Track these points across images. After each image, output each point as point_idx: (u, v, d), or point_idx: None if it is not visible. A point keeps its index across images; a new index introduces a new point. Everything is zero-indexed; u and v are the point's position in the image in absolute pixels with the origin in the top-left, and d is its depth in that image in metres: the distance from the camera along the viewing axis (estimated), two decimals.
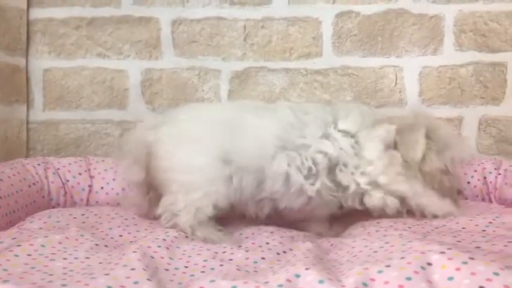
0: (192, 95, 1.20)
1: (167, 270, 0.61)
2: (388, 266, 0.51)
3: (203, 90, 1.20)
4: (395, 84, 1.20)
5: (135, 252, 0.60)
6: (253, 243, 0.74)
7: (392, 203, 0.81)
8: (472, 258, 0.50)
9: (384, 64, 1.20)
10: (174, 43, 1.20)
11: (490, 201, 1.01)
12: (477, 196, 1.02)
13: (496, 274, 0.47)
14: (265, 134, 0.82)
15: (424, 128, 0.84)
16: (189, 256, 0.67)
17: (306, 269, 0.51)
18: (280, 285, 0.49)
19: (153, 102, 1.21)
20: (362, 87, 1.20)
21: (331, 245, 0.74)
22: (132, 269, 0.54)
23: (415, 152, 0.83)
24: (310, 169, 0.81)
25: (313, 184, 0.81)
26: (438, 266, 0.50)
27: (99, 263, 0.61)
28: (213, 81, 1.20)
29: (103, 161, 1.07)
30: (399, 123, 0.85)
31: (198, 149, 0.81)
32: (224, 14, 1.20)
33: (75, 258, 0.63)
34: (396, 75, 1.20)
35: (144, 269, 0.55)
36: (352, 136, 0.83)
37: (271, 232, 0.80)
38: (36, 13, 1.18)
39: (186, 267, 0.63)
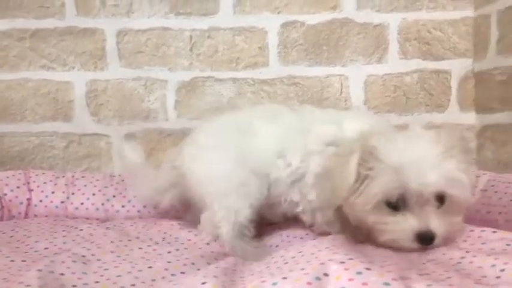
0: (138, 106, 1.20)
1: (75, 286, 0.60)
2: (284, 278, 0.50)
3: (149, 101, 1.20)
4: (341, 93, 1.20)
5: (39, 270, 0.59)
6: None
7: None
8: (368, 269, 0.49)
9: (329, 73, 1.20)
10: (120, 54, 1.19)
11: None
12: None
13: (387, 284, 0.47)
14: (270, 140, 0.84)
15: (356, 155, 0.68)
16: (105, 270, 0.66)
17: (202, 283, 0.51)
18: None
19: (99, 114, 1.20)
20: (308, 96, 1.20)
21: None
22: (28, 286, 0.53)
23: (341, 183, 0.69)
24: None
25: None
26: (333, 276, 0.50)
27: (3, 278, 0.59)
28: (159, 92, 1.20)
29: (43, 173, 1.06)
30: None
31: (216, 157, 0.85)
32: (170, 24, 1.19)
33: None
34: (342, 84, 1.20)
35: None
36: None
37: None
38: None
39: (97, 282, 0.62)
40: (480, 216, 0.87)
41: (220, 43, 1.20)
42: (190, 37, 1.20)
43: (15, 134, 1.19)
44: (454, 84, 1.20)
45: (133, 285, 0.62)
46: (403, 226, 0.66)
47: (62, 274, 0.62)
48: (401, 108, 1.20)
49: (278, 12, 1.20)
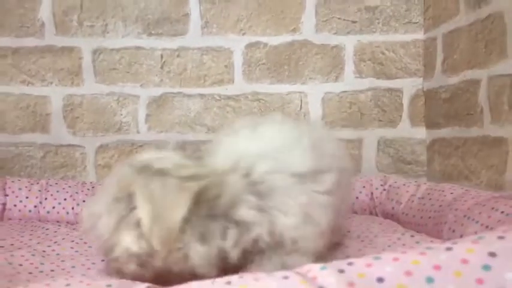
0: (111, 119, 1.28)
1: (30, 273, 0.67)
2: None
3: (122, 115, 1.28)
4: (301, 108, 1.29)
5: None
6: None
7: None
8: None
9: (290, 90, 1.29)
10: (95, 71, 1.28)
11: (376, 214, 1.10)
12: (365, 210, 1.11)
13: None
14: None
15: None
16: (61, 261, 0.74)
17: None
18: None
19: (75, 126, 1.28)
20: (270, 111, 1.29)
21: None
22: None
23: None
24: None
25: None
26: None
27: None
28: (131, 106, 1.28)
29: (19, 180, 1.13)
30: None
31: None
32: (142, 44, 1.29)
33: None
34: (301, 100, 1.29)
35: None
36: None
37: None
38: None
39: (52, 270, 0.70)
40: (414, 220, 0.95)
41: (189, 62, 1.29)
42: (161, 56, 1.29)
43: None
44: (405, 101, 1.29)
45: (83, 275, 0.69)
46: None
47: (20, 265, 0.70)
48: (356, 124, 1.29)
49: (243, 34, 1.29)
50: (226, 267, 0.57)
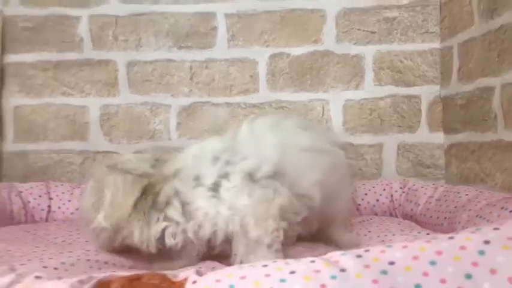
0: (144, 127, 1.37)
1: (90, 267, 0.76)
2: None
3: (155, 123, 1.37)
4: (323, 115, 1.36)
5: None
6: None
7: None
8: None
9: (312, 98, 1.36)
10: (129, 82, 1.37)
11: (396, 216, 1.15)
12: (385, 212, 1.17)
13: None
14: None
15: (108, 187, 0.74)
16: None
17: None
18: None
19: (111, 134, 1.37)
20: None
21: None
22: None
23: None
24: None
25: None
26: None
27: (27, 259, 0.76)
28: (163, 115, 1.37)
29: (62, 185, 1.23)
30: None
31: None
32: (173, 57, 1.37)
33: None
34: (323, 108, 1.36)
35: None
36: None
37: None
38: (9, 58, 1.36)
39: (106, 262, 0.78)
40: (431, 220, 1.01)
41: (216, 72, 1.37)
42: (191, 67, 1.37)
43: (38, 151, 1.37)
44: (423, 107, 1.35)
45: (103, 263, 0.77)
46: None
47: (79, 259, 0.78)
48: (376, 129, 1.35)
49: (267, 46, 1.37)
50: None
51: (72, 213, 1.18)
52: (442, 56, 1.34)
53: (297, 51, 1.36)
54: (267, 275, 0.44)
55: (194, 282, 0.44)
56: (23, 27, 1.37)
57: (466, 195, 0.96)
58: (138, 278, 0.48)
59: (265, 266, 0.46)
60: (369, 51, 1.36)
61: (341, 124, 1.35)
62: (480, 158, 1.16)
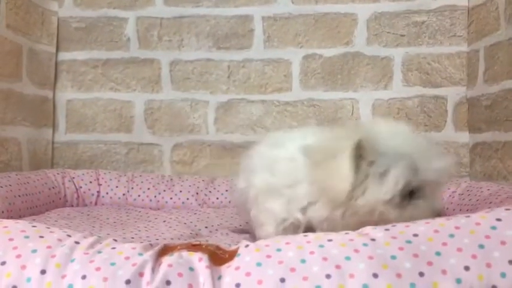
0: (185, 121, 1.47)
1: (132, 238, 0.86)
2: None
3: (194, 118, 1.47)
4: (352, 113, 1.43)
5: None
6: None
7: None
8: None
9: (342, 97, 1.44)
10: (172, 79, 1.47)
11: None
12: None
13: None
14: None
15: (349, 149, 0.65)
16: (162, 233, 0.92)
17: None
18: None
19: (154, 127, 1.48)
20: (324, 116, 1.44)
21: None
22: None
23: (337, 185, 0.67)
24: None
25: None
26: None
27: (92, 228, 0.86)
28: (202, 110, 1.47)
29: (109, 173, 1.34)
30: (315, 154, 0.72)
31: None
32: (212, 56, 1.47)
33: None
34: (353, 106, 1.43)
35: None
36: None
37: None
38: (63, 55, 1.48)
39: (157, 239, 0.88)
40: (454, 213, 1.08)
41: (252, 72, 1.46)
42: (228, 67, 1.47)
43: (87, 142, 1.48)
44: (449, 108, 1.41)
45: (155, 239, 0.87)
46: (424, 210, 0.67)
47: (132, 238, 0.88)
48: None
49: (300, 47, 1.45)
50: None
51: (119, 198, 1.29)
52: (469, 58, 1.40)
53: (328, 52, 1.44)
54: (308, 242, 0.52)
55: (247, 246, 0.53)
56: (76, 27, 1.48)
57: (488, 190, 1.02)
58: (198, 244, 0.57)
59: (306, 235, 0.54)
60: (398, 54, 1.42)
61: None
62: (503, 156, 1.22)
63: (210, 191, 1.28)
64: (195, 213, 1.15)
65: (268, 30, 1.46)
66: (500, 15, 1.24)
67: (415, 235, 0.52)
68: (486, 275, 0.47)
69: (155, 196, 1.28)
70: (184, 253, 0.53)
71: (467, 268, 0.48)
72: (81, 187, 1.29)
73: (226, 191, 1.28)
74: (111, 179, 1.32)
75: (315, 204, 0.73)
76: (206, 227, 1.01)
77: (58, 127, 1.48)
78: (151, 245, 0.56)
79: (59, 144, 1.48)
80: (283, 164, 0.77)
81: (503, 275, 0.47)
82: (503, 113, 1.22)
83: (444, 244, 0.50)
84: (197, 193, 1.28)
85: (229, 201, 1.26)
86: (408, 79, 1.42)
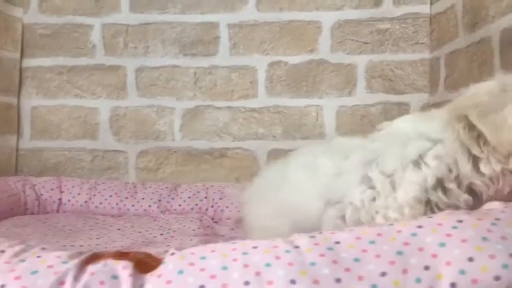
0: (150, 128, 1.47)
1: (82, 245, 0.85)
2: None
3: (160, 124, 1.47)
4: (317, 120, 1.44)
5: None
6: None
7: None
8: None
9: (307, 104, 1.45)
10: (137, 86, 1.47)
11: None
12: None
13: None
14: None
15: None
16: (113, 241, 0.91)
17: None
18: None
19: (119, 134, 1.47)
20: (289, 122, 1.45)
21: None
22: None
23: (502, 135, 0.63)
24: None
25: None
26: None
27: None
28: (168, 117, 1.47)
29: (72, 180, 1.33)
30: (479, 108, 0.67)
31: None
32: (178, 63, 1.47)
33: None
34: (317, 113, 1.45)
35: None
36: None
37: None
38: (28, 62, 1.47)
39: (106, 248, 0.87)
40: None
41: (218, 78, 1.47)
42: (195, 73, 1.47)
43: (52, 149, 1.48)
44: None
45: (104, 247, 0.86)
46: None
47: (81, 245, 0.88)
48: (367, 134, 1.43)
49: (266, 54, 1.46)
50: None
51: (81, 205, 1.28)
52: (431, 66, 1.42)
53: (294, 59, 1.45)
54: (233, 249, 0.52)
55: (172, 253, 0.53)
56: (41, 34, 1.48)
57: None
58: (127, 252, 0.57)
59: (234, 243, 0.55)
60: (361, 61, 1.44)
61: (334, 129, 1.43)
62: None
63: (172, 198, 1.28)
64: (154, 220, 1.15)
65: (234, 37, 1.46)
66: (458, 22, 1.26)
67: (337, 242, 0.52)
68: (402, 280, 0.48)
69: (117, 203, 1.27)
70: (110, 261, 0.53)
71: (383, 274, 0.48)
72: (42, 194, 1.28)
73: (189, 197, 1.28)
74: (73, 186, 1.31)
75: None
76: (161, 234, 1.01)
77: (23, 134, 1.47)
78: (79, 253, 0.56)
79: (23, 152, 1.47)
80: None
81: (418, 280, 0.48)
82: None
83: (364, 251, 0.51)
84: (159, 200, 1.28)
85: (192, 208, 1.27)
86: (372, 86, 1.44)
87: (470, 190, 0.68)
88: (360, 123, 1.43)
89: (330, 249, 0.51)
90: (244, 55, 1.46)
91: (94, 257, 0.55)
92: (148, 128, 1.47)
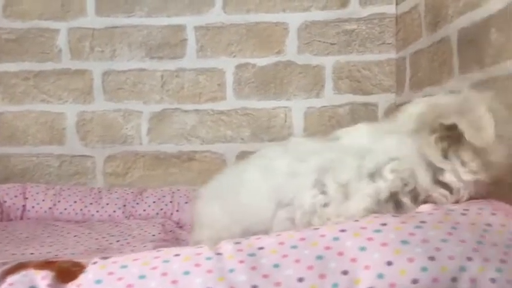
0: (117, 132, 1.46)
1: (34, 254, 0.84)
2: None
3: (127, 128, 1.46)
4: (285, 121, 1.44)
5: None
6: None
7: None
8: None
9: (275, 106, 1.44)
10: (104, 90, 1.46)
11: None
12: None
13: None
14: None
15: (483, 106, 0.65)
16: (65, 249, 0.90)
17: None
18: None
19: (86, 139, 1.46)
20: (258, 124, 1.44)
21: None
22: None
23: (484, 130, 0.63)
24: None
25: None
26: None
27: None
28: (135, 121, 1.46)
29: (37, 186, 1.32)
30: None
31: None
32: (145, 66, 1.46)
33: None
34: (286, 115, 1.44)
35: None
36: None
37: None
38: None
39: (57, 255, 0.86)
40: None
41: (186, 81, 1.46)
42: (162, 76, 1.46)
43: (19, 155, 1.46)
44: (380, 114, 1.42)
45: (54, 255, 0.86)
46: None
47: (32, 253, 0.87)
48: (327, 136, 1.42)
49: (233, 56, 1.45)
50: None
51: (45, 212, 1.27)
52: (397, 66, 1.42)
53: (261, 61, 1.45)
54: (156, 257, 0.52)
55: (95, 262, 0.53)
56: (6, 39, 1.46)
57: None
58: (52, 262, 0.56)
59: (159, 251, 0.54)
60: (329, 62, 1.44)
61: (302, 130, 1.43)
62: None
63: (137, 203, 1.27)
64: (116, 226, 1.14)
65: (201, 39, 1.46)
66: (422, 22, 1.26)
67: (261, 248, 0.52)
68: (319, 285, 0.48)
69: (81, 209, 1.26)
70: (30, 271, 0.52)
71: (301, 280, 0.48)
72: (5, 201, 1.26)
73: (154, 202, 1.27)
74: (37, 193, 1.30)
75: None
76: (118, 241, 1.00)
77: None
78: (3, 263, 0.55)
79: None
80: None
81: (335, 285, 0.48)
82: None
83: (284, 256, 0.50)
84: (124, 205, 1.27)
85: (157, 213, 1.26)
86: (339, 87, 1.44)
87: (428, 202, 0.67)
88: (328, 124, 1.43)
89: (251, 255, 0.51)
90: (211, 57, 1.46)
91: (19, 267, 0.54)
92: (115, 133, 1.46)
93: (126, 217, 1.25)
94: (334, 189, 0.72)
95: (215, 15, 1.45)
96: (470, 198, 0.66)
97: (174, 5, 1.45)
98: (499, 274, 0.49)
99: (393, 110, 1.41)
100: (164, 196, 1.28)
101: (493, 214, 0.58)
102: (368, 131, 0.78)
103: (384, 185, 0.69)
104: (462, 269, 0.49)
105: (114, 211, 1.26)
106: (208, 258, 0.50)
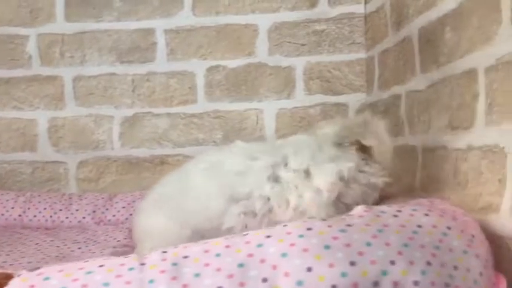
0: (89, 138, 1.46)
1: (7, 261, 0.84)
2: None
3: (98, 133, 1.46)
4: (257, 123, 1.44)
5: None
6: None
7: None
8: None
9: (247, 107, 1.44)
10: (75, 96, 1.46)
11: None
12: None
13: None
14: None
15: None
16: (22, 257, 0.90)
17: None
18: None
19: (58, 145, 1.46)
20: (230, 126, 1.44)
21: None
22: None
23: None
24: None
25: None
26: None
27: None
28: (107, 126, 1.46)
29: (7, 193, 1.32)
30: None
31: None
32: (116, 71, 1.46)
33: None
34: (257, 116, 1.44)
35: None
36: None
37: None
38: None
39: (12, 265, 0.86)
40: None
41: (157, 85, 1.46)
42: (133, 80, 1.46)
43: None
44: (351, 114, 1.42)
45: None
46: None
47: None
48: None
49: (204, 59, 1.45)
50: None
51: (15, 219, 1.27)
52: (367, 65, 1.41)
53: (232, 63, 1.44)
54: (81, 268, 0.52)
55: (19, 275, 0.52)
56: None
57: None
58: None
59: (86, 261, 0.54)
60: (299, 63, 1.43)
61: (274, 131, 1.43)
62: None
63: (107, 209, 1.27)
64: (83, 232, 1.14)
65: (171, 43, 1.45)
66: (388, 22, 1.26)
67: (186, 257, 0.51)
68: None
69: (51, 216, 1.26)
70: None
71: None
72: None
73: (124, 207, 1.27)
74: (7, 200, 1.29)
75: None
76: (79, 248, 1.00)
77: None
78: None
79: None
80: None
81: None
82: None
83: (206, 265, 0.50)
84: (94, 211, 1.27)
85: (126, 218, 1.25)
86: (310, 87, 1.43)
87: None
88: (300, 125, 1.43)
89: (174, 264, 0.50)
90: (182, 60, 1.45)
91: None
92: (87, 138, 1.46)
93: (95, 223, 1.25)
94: (292, 175, 0.82)
95: (184, 18, 1.45)
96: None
97: (143, 8, 1.45)
98: (423, 276, 0.49)
99: (364, 109, 1.41)
100: (134, 201, 1.28)
101: (426, 215, 0.57)
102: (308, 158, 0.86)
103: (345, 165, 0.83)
104: (384, 272, 0.49)
105: (84, 217, 1.26)
106: (131, 269, 0.50)
